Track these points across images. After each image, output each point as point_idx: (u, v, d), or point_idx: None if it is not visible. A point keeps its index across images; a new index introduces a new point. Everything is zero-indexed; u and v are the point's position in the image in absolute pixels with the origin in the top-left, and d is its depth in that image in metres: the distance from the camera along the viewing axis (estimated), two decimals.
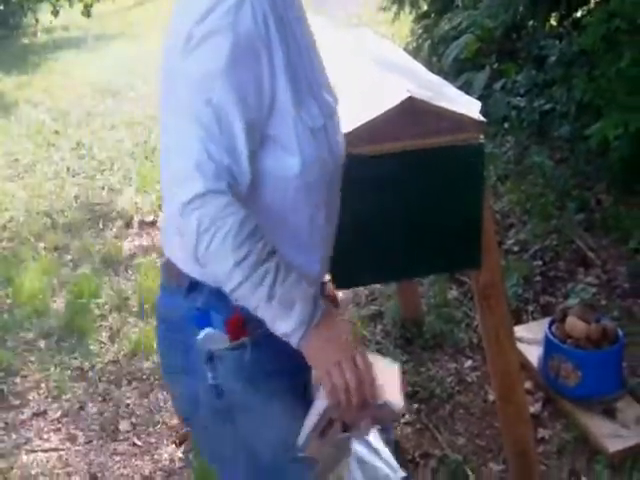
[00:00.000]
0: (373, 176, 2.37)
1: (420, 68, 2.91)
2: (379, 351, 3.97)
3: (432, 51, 6.42)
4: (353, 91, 2.56)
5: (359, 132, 2.30)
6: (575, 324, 3.45)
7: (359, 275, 2.57)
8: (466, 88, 3.48)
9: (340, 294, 4.38)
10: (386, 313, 4.26)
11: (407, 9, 6.81)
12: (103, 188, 6.07)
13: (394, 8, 6.85)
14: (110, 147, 6.85)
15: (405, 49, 7.44)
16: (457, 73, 5.16)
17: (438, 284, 4.40)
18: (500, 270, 2.67)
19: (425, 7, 6.87)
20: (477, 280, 2.64)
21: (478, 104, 2.50)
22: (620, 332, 3.43)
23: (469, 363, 3.87)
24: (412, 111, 2.33)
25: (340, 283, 2.64)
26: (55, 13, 12.23)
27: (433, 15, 6.65)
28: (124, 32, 11.87)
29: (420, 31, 6.96)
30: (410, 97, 2.31)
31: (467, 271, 2.82)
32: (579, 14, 5.88)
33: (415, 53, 6.92)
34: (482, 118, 2.42)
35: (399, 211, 2.44)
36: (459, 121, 2.39)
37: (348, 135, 2.29)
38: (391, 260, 2.51)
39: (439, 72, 5.82)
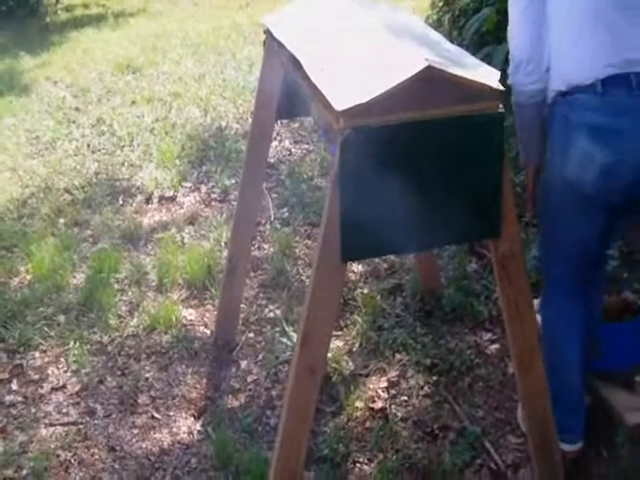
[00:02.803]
0: (390, 146, 2.35)
1: (439, 37, 2.88)
2: (398, 324, 3.98)
3: (453, 24, 6.35)
4: (370, 60, 2.54)
5: (376, 101, 2.28)
6: None
7: (377, 246, 2.55)
8: (487, 61, 3.43)
9: (359, 267, 4.41)
10: (406, 286, 4.26)
11: None
12: (123, 164, 6.07)
13: None
14: (130, 123, 6.84)
15: (425, 22, 7.39)
16: (478, 46, 5.09)
17: (458, 257, 4.39)
18: (520, 241, 2.64)
19: None
20: (496, 250, 2.62)
21: (497, 73, 2.47)
22: None
23: (488, 336, 3.87)
24: (430, 80, 2.30)
25: (358, 254, 2.65)
26: None
27: None
28: (145, 9, 11.83)
29: (441, 4, 6.90)
30: (429, 66, 2.29)
31: (486, 241, 2.80)
32: None
33: (436, 26, 6.84)
34: (501, 87, 2.40)
35: (417, 181, 2.42)
36: (478, 90, 2.36)
37: (365, 105, 2.28)
38: (410, 231, 2.48)
39: (460, 45, 5.79)
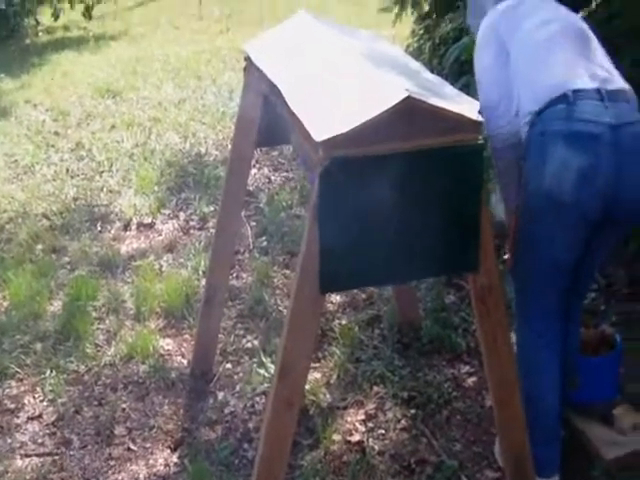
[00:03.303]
0: (369, 177, 2.34)
1: (419, 67, 2.89)
2: (376, 356, 3.95)
3: (433, 52, 6.38)
4: (351, 90, 2.53)
5: (356, 132, 2.27)
6: None
7: (356, 278, 2.54)
8: (466, 90, 3.45)
9: (337, 298, 4.39)
10: (384, 317, 4.24)
11: (409, 10, 6.77)
12: (102, 190, 6.03)
13: (396, 9, 6.81)
14: (110, 148, 6.81)
15: (406, 50, 7.40)
16: (457, 75, 5.12)
17: (436, 288, 4.37)
18: (498, 273, 2.64)
19: (426, 7, 6.83)
20: (475, 283, 2.62)
21: (477, 104, 2.48)
22: (618, 338, 3.40)
23: (466, 369, 3.85)
24: (410, 111, 2.30)
25: (336, 286, 2.63)
26: (55, 17, 12.21)
27: (434, 16, 6.61)
28: (126, 32, 11.84)
29: (421, 32, 6.92)
30: (408, 96, 2.28)
31: (465, 274, 2.79)
32: (581, 15, 5.84)
33: (416, 54, 6.87)
34: (481, 118, 2.40)
35: (396, 213, 2.41)
36: (457, 121, 2.36)
37: (344, 135, 2.27)
38: (389, 263, 2.48)
39: (440, 73, 5.80)
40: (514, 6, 3.16)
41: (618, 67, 3.04)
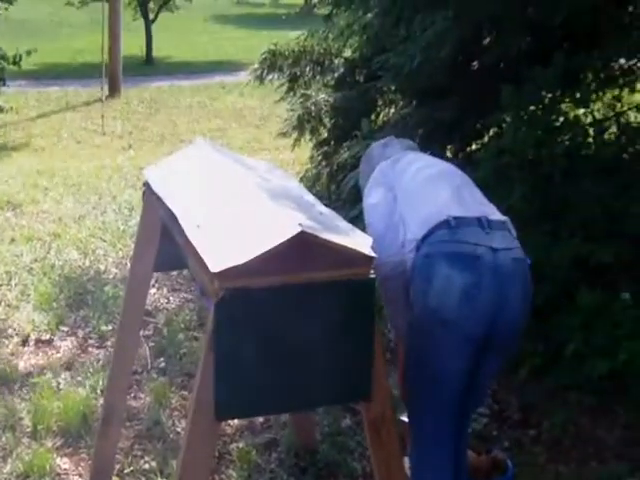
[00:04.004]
0: (264, 308, 2.39)
1: (314, 200, 2.97)
2: None
3: (331, 178, 6.53)
4: (246, 221, 2.59)
5: (251, 264, 2.32)
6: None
7: (252, 406, 2.56)
8: (362, 217, 3.56)
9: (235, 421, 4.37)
10: (281, 441, 4.22)
11: (307, 136, 6.94)
12: (0, 303, 5.96)
13: (294, 134, 6.97)
14: (8, 262, 6.74)
15: (304, 175, 7.57)
16: (354, 202, 5.26)
17: (333, 412, 4.39)
18: (391, 402, 2.69)
19: (325, 134, 7.01)
20: (368, 412, 2.66)
21: (370, 239, 2.56)
22: (510, 463, 3.46)
23: None
24: (304, 244, 2.37)
25: (232, 413, 2.64)
26: None
27: (332, 143, 6.79)
28: (27, 144, 11.82)
29: (320, 158, 7.09)
30: (302, 231, 2.35)
31: (358, 403, 2.83)
32: (474, 147, 6.08)
33: (315, 179, 7.04)
34: (372, 253, 2.47)
35: (291, 343, 2.46)
36: (349, 255, 2.44)
37: (239, 267, 2.32)
38: (283, 392, 2.51)
39: (337, 200, 5.93)
40: (399, 158, 3.38)
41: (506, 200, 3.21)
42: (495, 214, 3.07)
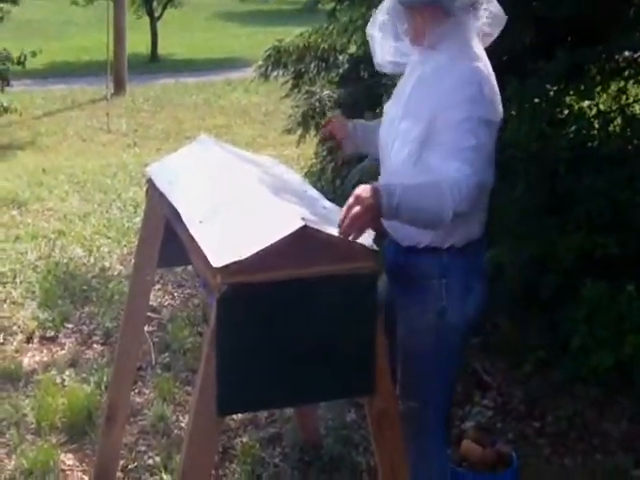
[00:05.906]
0: (267, 303, 2.39)
1: (317, 194, 2.97)
2: (277, 474, 3.94)
3: (335, 174, 6.53)
4: (249, 216, 2.59)
5: (253, 259, 2.32)
6: (470, 448, 3.47)
7: (254, 401, 2.56)
8: None
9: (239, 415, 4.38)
10: (285, 435, 4.23)
11: (312, 132, 6.93)
12: (5, 301, 5.97)
13: (299, 131, 6.97)
14: (13, 259, 6.76)
15: (309, 171, 7.56)
16: None
17: (337, 406, 4.39)
18: (394, 396, 2.69)
19: None
20: (371, 406, 2.66)
21: (372, 233, 2.55)
22: (514, 455, 3.46)
23: None
24: (306, 239, 2.37)
25: (235, 409, 2.65)
26: None
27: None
28: (33, 142, 11.83)
29: (324, 154, 7.08)
30: (304, 225, 2.35)
31: (361, 397, 2.83)
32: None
33: (319, 175, 7.03)
34: (375, 247, 2.47)
35: (293, 338, 2.46)
36: (352, 250, 2.43)
37: (242, 262, 2.32)
38: (286, 386, 2.51)
39: (342, 195, 5.92)
40: None
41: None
42: None
